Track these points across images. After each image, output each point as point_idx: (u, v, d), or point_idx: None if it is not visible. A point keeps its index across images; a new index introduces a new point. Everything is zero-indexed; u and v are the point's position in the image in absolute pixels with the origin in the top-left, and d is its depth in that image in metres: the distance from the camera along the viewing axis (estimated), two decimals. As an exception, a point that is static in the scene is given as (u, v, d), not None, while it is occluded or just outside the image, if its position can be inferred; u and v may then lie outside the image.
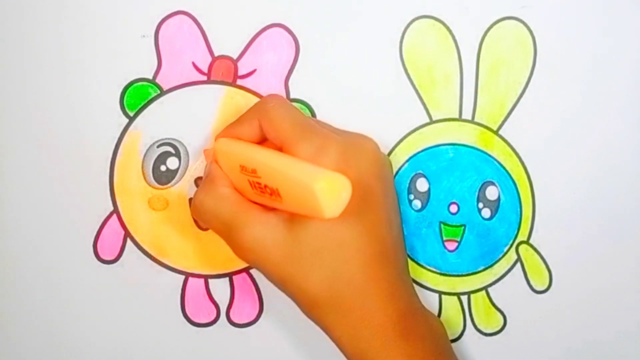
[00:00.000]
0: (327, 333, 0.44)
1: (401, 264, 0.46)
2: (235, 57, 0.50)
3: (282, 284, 0.44)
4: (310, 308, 0.44)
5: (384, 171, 0.46)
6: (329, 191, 0.40)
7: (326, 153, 0.42)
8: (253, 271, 0.51)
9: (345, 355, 0.44)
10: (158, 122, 0.50)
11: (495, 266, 0.51)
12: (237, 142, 0.46)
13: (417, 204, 0.51)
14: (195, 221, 0.50)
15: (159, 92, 0.50)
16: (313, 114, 0.50)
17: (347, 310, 0.43)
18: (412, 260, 0.51)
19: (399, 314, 0.43)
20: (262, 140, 0.46)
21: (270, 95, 0.47)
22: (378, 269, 0.43)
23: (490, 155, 0.50)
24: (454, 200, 0.50)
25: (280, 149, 0.44)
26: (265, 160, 0.43)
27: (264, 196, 0.43)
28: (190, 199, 0.50)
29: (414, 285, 0.49)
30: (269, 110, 0.44)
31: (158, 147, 0.50)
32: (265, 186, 0.43)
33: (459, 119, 0.50)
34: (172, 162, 0.50)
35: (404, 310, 0.44)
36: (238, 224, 0.43)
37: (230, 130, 0.46)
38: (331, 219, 0.40)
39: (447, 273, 0.51)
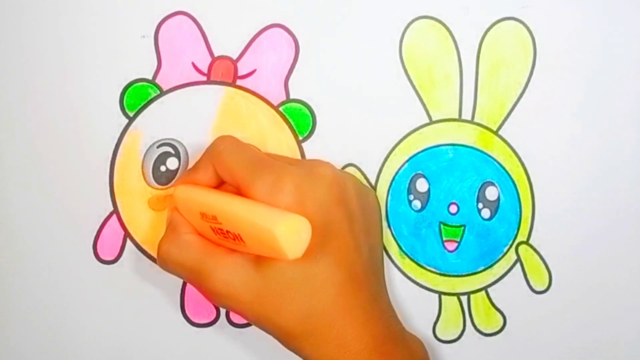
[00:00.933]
0: None
1: (375, 287, 0.45)
2: (235, 57, 0.50)
3: (257, 323, 0.44)
4: (287, 342, 0.44)
5: (344, 194, 0.45)
6: (289, 234, 0.40)
7: (281, 188, 0.42)
8: (253, 271, 0.51)
9: None
10: (158, 122, 0.50)
11: (495, 266, 0.51)
12: (195, 188, 0.46)
13: (417, 204, 0.51)
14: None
15: (158, 92, 0.50)
16: (313, 115, 0.50)
17: (323, 342, 0.43)
18: (412, 260, 0.51)
19: (375, 340, 0.43)
20: (220, 184, 0.46)
21: (220, 137, 0.46)
22: (349, 297, 0.43)
23: (490, 156, 0.50)
24: (453, 201, 0.50)
25: (238, 190, 0.44)
26: (224, 206, 0.43)
27: (227, 241, 0.44)
28: (190, 199, 0.50)
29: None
30: (221, 154, 0.45)
31: (158, 147, 0.50)
32: (227, 231, 0.43)
33: (459, 119, 0.50)
34: (171, 163, 0.50)
35: (381, 335, 0.43)
36: (205, 270, 0.43)
37: (187, 177, 0.47)
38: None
39: (447, 273, 0.51)
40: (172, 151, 0.50)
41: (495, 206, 0.50)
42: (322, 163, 0.46)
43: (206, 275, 0.43)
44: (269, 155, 0.46)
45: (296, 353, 0.44)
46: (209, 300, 0.45)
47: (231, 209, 0.43)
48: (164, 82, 0.50)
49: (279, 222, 0.40)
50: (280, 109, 0.50)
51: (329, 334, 0.43)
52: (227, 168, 0.44)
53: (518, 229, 0.50)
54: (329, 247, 0.43)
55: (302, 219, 0.41)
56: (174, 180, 0.50)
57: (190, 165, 0.50)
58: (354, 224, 0.45)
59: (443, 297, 0.51)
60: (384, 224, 0.51)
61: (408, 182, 0.51)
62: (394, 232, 0.51)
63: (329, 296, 0.43)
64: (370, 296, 0.44)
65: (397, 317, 0.47)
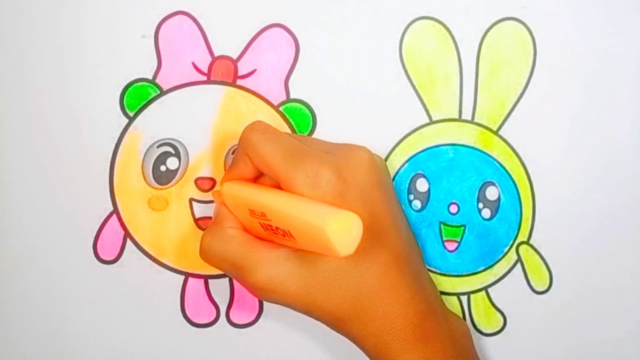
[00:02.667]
0: (353, 343, 0.45)
1: (416, 265, 0.46)
2: (235, 57, 0.50)
3: (305, 312, 0.44)
4: (336, 325, 0.44)
5: (381, 177, 0.46)
6: (341, 232, 0.40)
7: (322, 179, 0.43)
8: (253, 271, 0.51)
9: (370, 359, 0.45)
10: (158, 122, 0.50)
11: (495, 266, 0.51)
12: (241, 185, 0.46)
13: (417, 204, 0.51)
14: (196, 221, 0.50)
15: (158, 92, 0.50)
16: (313, 114, 0.50)
17: (369, 320, 0.44)
18: (412, 260, 0.51)
19: (419, 316, 0.44)
20: (262, 174, 0.46)
21: (250, 126, 0.45)
22: (395, 276, 0.44)
23: (490, 156, 0.50)
24: (454, 201, 0.50)
25: (277, 180, 0.44)
26: (272, 204, 0.43)
27: (277, 236, 0.43)
28: (191, 199, 0.50)
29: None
30: (256, 146, 0.44)
31: (158, 147, 0.50)
32: (277, 228, 0.43)
33: (459, 119, 0.50)
34: (172, 162, 0.50)
35: (424, 312, 0.44)
36: (249, 265, 0.43)
37: (230, 173, 0.47)
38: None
39: (447, 273, 0.51)
40: (172, 151, 0.50)
41: (495, 206, 0.50)
42: (358, 147, 0.46)
43: (249, 270, 0.43)
44: (302, 141, 0.46)
45: (344, 334, 0.45)
46: (253, 294, 0.45)
47: (280, 206, 0.42)
48: (164, 82, 0.50)
49: (329, 219, 0.40)
50: (281, 108, 0.50)
51: (375, 312, 0.43)
52: (264, 161, 0.44)
53: (518, 229, 0.50)
54: (374, 233, 0.43)
55: (352, 216, 0.40)
56: (174, 181, 0.50)
57: (190, 166, 0.50)
58: (392, 205, 0.46)
59: (443, 297, 0.51)
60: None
61: (408, 182, 0.51)
62: (394, 232, 0.51)
63: (375, 277, 0.43)
64: (414, 273, 0.45)
65: (438, 293, 0.47)
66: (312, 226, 0.40)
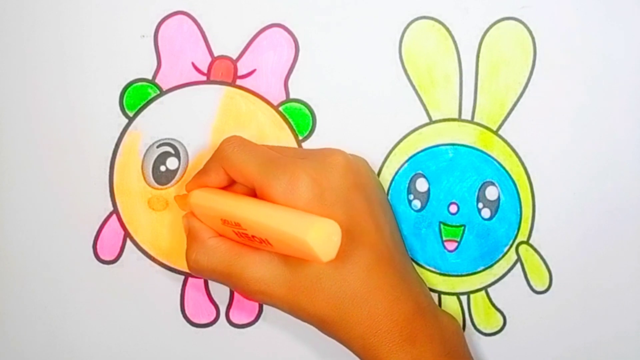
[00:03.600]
0: (342, 344, 0.45)
1: (401, 265, 0.46)
2: (235, 57, 0.50)
3: (292, 313, 0.45)
4: (322, 328, 0.45)
5: (358, 178, 0.46)
6: (321, 240, 0.41)
7: (298, 185, 0.43)
8: (253, 271, 0.51)
9: None
10: (158, 122, 0.50)
11: (495, 266, 0.51)
12: (211, 194, 0.46)
13: (417, 204, 0.51)
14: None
15: (158, 92, 0.50)
16: (313, 114, 0.50)
17: (354, 324, 0.44)
18: (412, 260, 0.50)
19: (405, 317, 0.44)
20: (233, 183, 0.46)
21: (226, 139, 0.46)
22: (378, 277, 0.44)
23: (490, 156, 0.50)
24: (453, 201, 0.50)
25: (252, 189, 0.45)
26: (248, 215, 0.43)
27: (253, 243, 0.44)
28: (190, 199, 0.50)
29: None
30: (230, 156, 0.45)
31: (158, 147, 0.50)
32: (253, 236, 0.43)
33: (459, 119, 0.50)
34: (171, 162, 0.50)
35: (411, 312, 0.44)
36: (235, 271, 0.44)
37: (199, 180, 0.47)
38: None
39: (447, 273, 0.51)
40: (172, 151, 0.50)
41: (495, 206, 0.50)
42: (333, 151, 0.46)
43: (237, 276, 0.44)
44: (276, 150, 0.47)
45: (332, 337, 0.45)
46: (246, 298, 0.46)
47: (256, 217, 0.43)
48: (163, 82, 0.50)
49: (309, 229, 0.40)
50: (280, 108, 0.50)
51: (360, 315, 0.43)
52: (239, 171, 0.45)
53: (518, 228, 0.50)
54: (353, 236, 0.43)
55: (331, 223, 0.41)
56: (174, 181, 0.50)
57: (190, 166, 0.50)
58: (373, 206, 0.46)
59: (443, 297, 0.51)
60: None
61: (408, 181, 0.51)
62: (394, 232, 0.51)
63: (357, 279, 0.43)
64: (398, 274, 0.45)
65: (428, 292, 0.48)
66: (292, 236, 0.41)
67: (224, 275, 0.45)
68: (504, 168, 0.50)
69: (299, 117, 0.50)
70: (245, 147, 0.46)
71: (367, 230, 0.44)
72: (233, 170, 0.45)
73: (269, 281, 0.44)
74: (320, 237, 0.41)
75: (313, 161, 0.45)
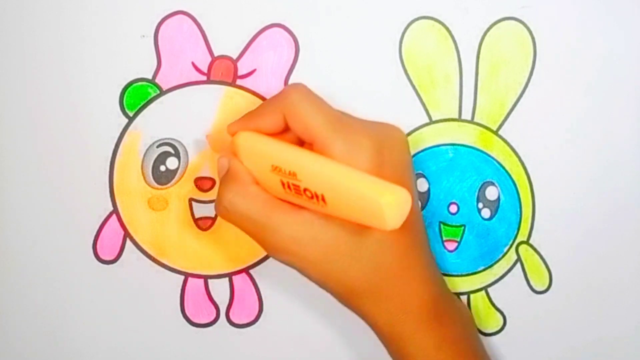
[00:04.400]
0: (363, 319, 0.45)
1: (429, 251, 0.47)
2: (235, 57, 0.50)
3: (319, 281, 0.44)
4: (348, 299, 0.44)
5: (411, 159, 0.46)
6: (394, 205, 0.39)
7: (360, 149, 0.42)
8: (253, 271, 0.51)
9: (381, 338, 0.45)
10: (158, 122, 0.50)
11: (495, 266, 0.51)
12: (267, 140, 0.44)
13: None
14: (195, 221, 0.50)
15: (158, 92, 0.50)
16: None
17: (385, 298, 0.44)
18: (412, 260, 0.51)
19: (433, 298, 0.45)
20: (283, 131, 0.44)
21: (293, 85, 0.44)
22: (413, 257, 0.44)
23: (490, 156, 0.50)
24: (453, 201, 0.50)
25: (301, 141, 0.44)
26: (312, 166, 0.41)
27: (299, 197, 0.42)
28: (191, 199, 0.50)
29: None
30: (296, 105, 0.43)
31: (158, 147, 0.50)
32: (305, 190, 0.41)
33: (459, 119, 0.50)
34: (171, 162, 0.50)
35: (437, 294, 0.45)
36: (273, 225, 0.43)
37: (250, 122, 0.45)
38: None
39: (447, 273, 0.51)
40: (172, 151, 0.50)
41: (495, 206, 0.50)
42: (394, 126, 0.45)
43: (272, 230, 0.43)
44: (343, 113, 0.45)
45: (355, 310, 0.45)
46: (271, 254, 0.44)
47: (321, 169, 0.41)
48: (163, 81, 0.50)
49: (385, 192, 0.39)
50: (280, 108, 0.50)
51: (391, 291, 0.44)
52: (304, 122, 0.43)
53: (518, 228, 0.50)
54: None
55: (405, 192, 0.40)
56: (174, 181, 0.50)
57: (190, 165, 0.50)
58: (415, 188, 0.47)
59: (443, 297, 0.51)
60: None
61: (408, 182, 0.50)
62: (394, 232, 0.51)
63: (395, 255, 0.43)
64: (428, 257, 0.46)
65: (445, 280, 0.48)
66: (364, 197, 0.39)
67: (258, 226, 0.43)
68: (504, 168, 0.50)
69: (299, 117, 0.50)
70: (313, 98, 0.44)
71: (411, 211, 0.43)
72: (296, 118, 0.43)
73: (306, 243, 0.42)
74: (394, 203, 0.39)
75: (377, 131, 0.44)
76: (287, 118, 0.43)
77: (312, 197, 0.41)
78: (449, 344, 0.45)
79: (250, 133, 0.44)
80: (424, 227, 0.47)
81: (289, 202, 0.43)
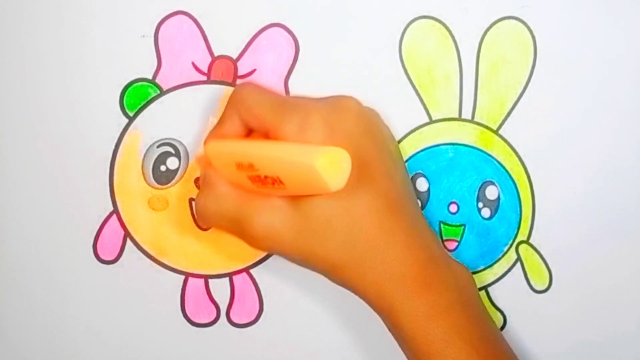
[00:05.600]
0: (355, 294, 0.45)
1: (412, 213, 0.46)
2: (235, 57, 0.50)
3: (302, 260, 0.44)
4: (334, 274, 0.44)
5: (371, 125, 0.46)
6: (330, 166, 0.40)
7: (310, 125, 0.43)
8: (253, 271, 0.51)
9: (374, 310, 0.45)
10: (158, 122, 0.50)
11: (495, 266, 0.51)
12: (226, 141, 0.46)
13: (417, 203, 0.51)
14: (196, 221, 0.50)
15: (158, 92, 0.50)
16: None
17: (368, 269, 0.43)
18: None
19: (420, 263, 0.44)
20: (249, 133, 0.46)
21: (240, 85, 0.46)
22: (390, 222, 0.44)
23: (490, 155, 0.50)
24: (453, 200, 0.51)
25: (266, 136, 0.44)
26: (259, 152, 0.43)
27: (266, 187, 0.43)
28: (191, 199, 0.50)
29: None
30: (245, 100, 0.45)
31: (158, 147, 0.50)
32: (266, 177, 0.43)
33: (459, 118, 0.50)
34: (172, 162, 0.50)
35: (425, 259, 0.44)
36: (245, 217, 0.44)
37: (215, 131, 0.47)
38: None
39: (447, 273, 0.51)
40: (172, 151, 0.50)
41: (495, 205, 0.50)
42: (346, 97, 0.46)
43: (246, 222, 0.44)
44: (293, 97, 0.47)
45: (343, 285, 0.45)
46: (252, 246, 0.45)
47: (266, 152, 0.43)
48: (164, 81, 0.50)
49: (318, 156, 0.40)
50: (280, 108, 0.50)
51: (373, 260, 0.43)
52: (253, 113, 0.44)
53: (518, 228, 0.51)
54: (364, 176, 0.43)
55: (340, 150, 0.41)
56: (174, 181, 0.50)
57: (190, 165, 0.50)
58: (383, 153, 0.46)
59: (443, 296, 0.51)
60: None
61: (408, 181, 0.51)
62: (394, 232, 0.51)
63: (370, 223, 0.43)
64: (410, 220, 0.45)
65: (439, 241, 0.47)
66: (301, 165, 0.41)
67: (233, 221, 0.44)
68: (504, 168, 0.50)
69: (299, 117, 0.50)
70: (259, 89, 0.45)
71: (378, 175, 0.44)
72: (247, 113, 0.45)
73: (278, 226, 0.43)
74: (329, 163, 0.40)
75: (326, 104, 0.44)
76: (241, 114, 0.45)
77: (273, 183, 0.43)
78: (441, 313, 0.43)
79: (216, 141, 0.46)
80: (404, 190, 0.46)
81: (262, 195, 0.44)
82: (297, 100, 0.45)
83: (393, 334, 0.45)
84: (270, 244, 0.44)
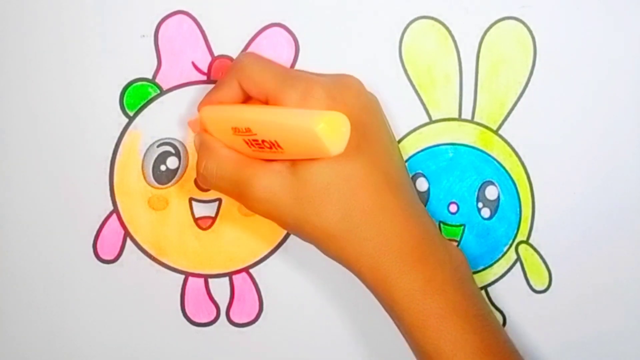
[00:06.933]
0: (347, 267, 0.45)
1: (410, 192, 0.46)
2: (235, 56, 0.50)
3: (297, 227, 0.44)
4: (328, 244, 0.44)
5: (372, 105, 0.46)
6: (330, 129, 0.40)
7: (312, 95, 0.43)
8: (253, 271, 0.51)
9: (368, 286, 0.44)
10: (158, 121, 0.50)
11: (495, 266, 0.51)
12: (225, 107, 0.46)
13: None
14: (196, 221, 0.50)
15: (158, 91, 0.50)
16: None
17: (363, 240, 0.43)
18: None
19: (416, 239, 0.44)
20: (246, 100, 0.46)
21: (243, 53, 0.46)
22: (388, 196, 0.44)
23: (489, 155, 0.50)
24: (453, 200, 0.51)
25: (265, 103, 0.45)
26: (257, 116, 0.43)
27: (263, 151, 0.44)
28: (191, 199, 0.50)
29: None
30: (246, 68, 0.45)
31: (158, 146, 0.50)
32: (263, 141, 0.43)
33: (459, 118, 0.50)
34: (172, 162, 0.50)
35: (420, 235, 0.44)
36: (244, 179, 0.44)
37: (211, 96, 0.47)
38: (334, 156, 0.41)
39: (447, 273, 0.51)
40: (172, 150, 0.50)
41: (495, 205, 0.50)
42: (350, 76, 0.47)
43: (245, 184, 0.44)
44: (295, 69, 0.48)
45: (335, 258, 0.45)
46: (250, 209, 0.45)
47: (265, 116, 0.43)
48: (164, 81, 0.50)
49: (318, 119, 0.40)
50: (280, 108, 0.50)
51: (369, 232, 0.43)
52: (254, 81, 0.45)
53: (518, 228, 0.51)
54: (363, 149, 0.43)
55: (340, 115, 0.41)
56: (174, 180, 0.50)
57: (190, 165, 0.50)
58: (382, 131, 0.46)
59: (443, 296, 0.51)
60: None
61: (408, 181, 0.51)
62: (393, 232, 0.51)
63: (368, 194, 0.43)
64: (407, 199, 0.45)
65: (435, 223, 0.47)
66: (301, 129, 0.41)
67: (232, 183, 0.45)
68: (503, 168, 0.50)
69: (299, 117, 0.50)
70: (262, 59, 0.46)
71: (376, 149, 0.44)
72: (248, 81, 0.45)
73: (277, 189, 0.43)
74: (329, 127, 0.40)
75: (329, 79, 0.45)
76: (241, 83, 0.45)
77: (271, 147, 0.43)
78: (436, 289, 0.43)
79: (213, 106, 0.47)
80: (401, 170, 0.46)
81: (259, 159, 0.45)
82: (300, 72, 0.46)
83: (386, 309, 0.45)
84: (268, 207, 0.44)
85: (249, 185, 0.44)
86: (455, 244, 0.47)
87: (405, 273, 0.43)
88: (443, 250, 0.45)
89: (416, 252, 0.43)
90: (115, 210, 0.50)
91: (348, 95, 0.45)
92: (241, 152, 0.45)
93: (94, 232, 0.50)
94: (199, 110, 0.47)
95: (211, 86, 0.50)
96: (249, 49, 0.50)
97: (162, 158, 0.50)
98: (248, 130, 0.43)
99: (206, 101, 0.47)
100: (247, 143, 0.44)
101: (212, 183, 0.46)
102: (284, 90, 0.43)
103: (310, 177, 0.43)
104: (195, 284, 0.51)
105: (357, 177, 0.43)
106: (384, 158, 0.45)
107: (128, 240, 0.50)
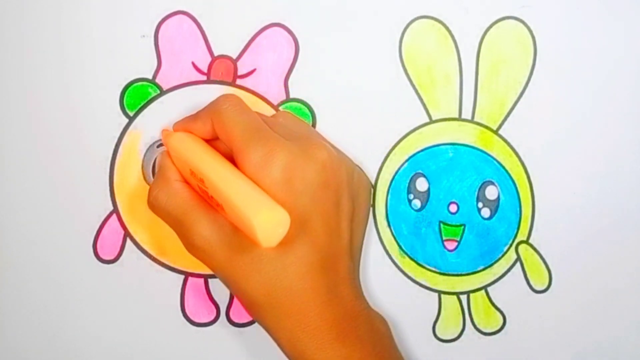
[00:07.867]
0: (267, 332, 0.45)
1: (346, 270, 0.45)
2: (234, 56, 0.50)
3: (225, 283, 0.45)
4: (250, 309, 0.44)
5: (334, 179, 0.45)
6: (266, 225, 0.41)
7: (272, 162, 0.43)
8: (253, 271, 0.51)
9: (285, 355, 0.44)
10: (158, 122, 0.50)
11: (495, 266, 0.51)
12: (190, 142, 0.46)
13: (417, 203, 0.51)
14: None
15: (158, 92, 0.50)
16: (313, 114, 0.50)
17: (284, 314, 0.43)
18: (412, 259, 0.51)
19: (336, 318, 0.44)
20: (216, 138, 0.46)
21: (225, 95, 0.46)
22: (317, 278, 0.43)
23: (490, 155, 0.50)
24: (453, 200, 0.51)
25: (230, 153, 0.44)
26: (211, 175, 0.43)
27: (212, 203, 0.44)
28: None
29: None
30: (222, 113, 0.45)
31: (158, 147, 0.50)
32: (212, 197, 0.43)
33: (459, 118, 0.50)
34: (172, 162, 0.50)
35: (342, 314, 0.44)
36: (188, 221, 0.44)
37: (186, 124, 0.47)
38: None
39: (447, 272, 0.51)
40: (172, 151, 0.50)
41: (495, 205, 0.50)
42: (320, 145, 0.45)
43: (188, 227, 0.44)
44: (269, 121, 0.46)
45: (258, 321, 0.45)
46: (187, 249, 0.45)
47: (218, 181, 0.43)
48: (164, 81, 0.50)
49: (260, 211, 0.41)
50: (280, 108, 0.50)
51: (290, 308, 0.43)
52: (225, 129, 0.44)
53: (518, 228, 0.51)
54: (303, 232, 0.43)
55: (282, 213, 0.41)
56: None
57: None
58: (339, 209, 0.45)
59: (443, 296, 0.51)
60: (384, 222, 0.51)
61: (408, 181, 0.51)
62: (393, 232, 0.51)
63: (297, 274, 0.43)
64: (339, 277, 0.45)
65: (364, 297, 0.46)
66: (242, 212, 0.41)
67: (176, 222, 0.45)
68: (503, 168, 0.50)
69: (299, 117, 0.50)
70: (240, 108, 0.45)
71: (322, 231, 0.44)
72: (219, 126, 0.45)
73: (214, 243, 0.43)
74: (267, 223, 0.41)
75: (297, 147, 0.44)
76: (214, 125, 0.45)
77: (217, 205, 0.43)
78: None
79: (184, 134, 0.46)
80: (345, 248, 0.45)
81: (209, 204, 0.45)
82: (270, 133, 0.44)
83: None
84: (202, 256, 0.44)
85: (190, 230, 0.44)
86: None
87: (322, 350, 0.43)
88: (365, 325, 0.45)
89: (334, 330, 0.43)
90: (115, 210, 0.50)
91: (309, 170, 0.43)
92: (194, 188, 0.45)
93: (94, 232, 0.50)
94: (174, 130, 0.47)
95: (211, 86, 0.50)
96: (249, 49, 0.50)
97: (162, 158, 0.50)
98: (202, 181, 0.44)
99: (180, 126, 0.47)
100: (200, 189, 0.44)
101: (160, 215, 0.46)
102: (247, 150, 0.43)
103: (246, 245, 0.43)
104: (195, 284, 0.51)
105: (291, 255, 0.43)
106: (326, 237, 0.44)
107: (128, 240, 0.50)
